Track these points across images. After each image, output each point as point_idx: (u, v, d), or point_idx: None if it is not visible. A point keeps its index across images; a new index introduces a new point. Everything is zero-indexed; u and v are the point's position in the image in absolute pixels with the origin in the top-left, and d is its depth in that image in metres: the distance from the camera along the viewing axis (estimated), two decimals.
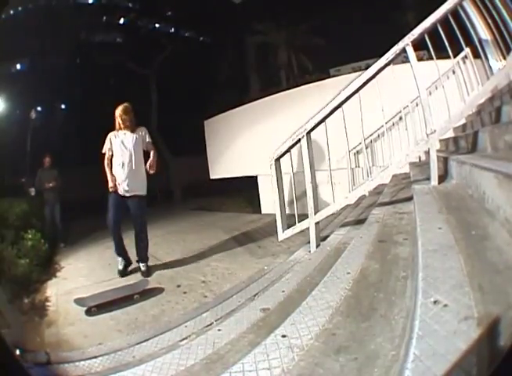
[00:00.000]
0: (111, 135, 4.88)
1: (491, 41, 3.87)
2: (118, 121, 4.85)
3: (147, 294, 3.95)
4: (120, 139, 4.82)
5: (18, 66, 20.34)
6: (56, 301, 4.14)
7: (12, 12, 18.15)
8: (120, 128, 4.86)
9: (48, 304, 4.08)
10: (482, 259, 1.34)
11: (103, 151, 4.85)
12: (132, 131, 4.87)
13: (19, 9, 18.70)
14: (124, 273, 4.81)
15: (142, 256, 4.90)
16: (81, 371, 2.34)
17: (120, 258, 4.90)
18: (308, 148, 3.57)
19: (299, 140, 3.64)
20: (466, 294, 1.11)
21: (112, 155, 4.82)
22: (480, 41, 3.76)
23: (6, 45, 15.46)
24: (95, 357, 2.53)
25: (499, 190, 1.60)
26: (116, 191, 4.71)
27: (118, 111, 4.86)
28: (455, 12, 3.05)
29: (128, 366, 2.17)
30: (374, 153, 6.49)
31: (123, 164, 4.73)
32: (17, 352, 2.32)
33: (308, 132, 3.56)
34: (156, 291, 4.04)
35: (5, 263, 4.60)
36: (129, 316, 3.48)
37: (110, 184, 4.68)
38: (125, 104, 4.91)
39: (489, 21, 3.62)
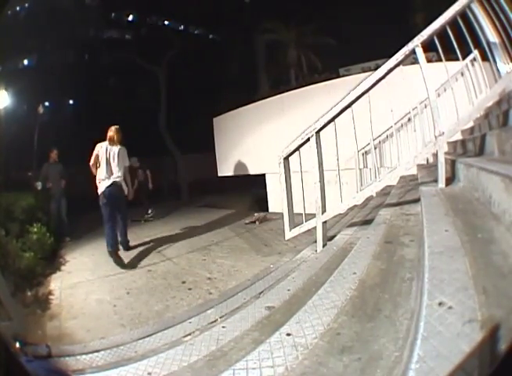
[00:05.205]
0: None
1: (499, 44, 3.83)
2: None
3: None
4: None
5: (26, 62, 20.35)
6: (60, 294, 4.16)
7: (20, 8, 18.18)
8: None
9: (51, 297, 4.10)
10: (487, 262, 1.34)
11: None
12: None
13: (27, 5, 18.70)
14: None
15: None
16: (82, 365, 2.34)
17: None
18: (317, 147, 3.56)
19: (308, 139, 3.63)
20: (470, 296, 1.11)
21: None
22: (488, 43, 3.73)
23: (15, 40, 15.47)
24: (97, 351, 2.54)
25: (506, 194, 1.60)
26: None
27: None
28: (463, 14, 3.04)
29: (130, 361, 2.18)
30: (382, 154, 6.48)
31: None
32: (17, 344, 2.33)
33: (318, 131, 3.56)
34: None
35: (9, 256, 4.62)
36: (133, 311, 3.50)
37: None
38: None
39: (497, 24, 3.60)
